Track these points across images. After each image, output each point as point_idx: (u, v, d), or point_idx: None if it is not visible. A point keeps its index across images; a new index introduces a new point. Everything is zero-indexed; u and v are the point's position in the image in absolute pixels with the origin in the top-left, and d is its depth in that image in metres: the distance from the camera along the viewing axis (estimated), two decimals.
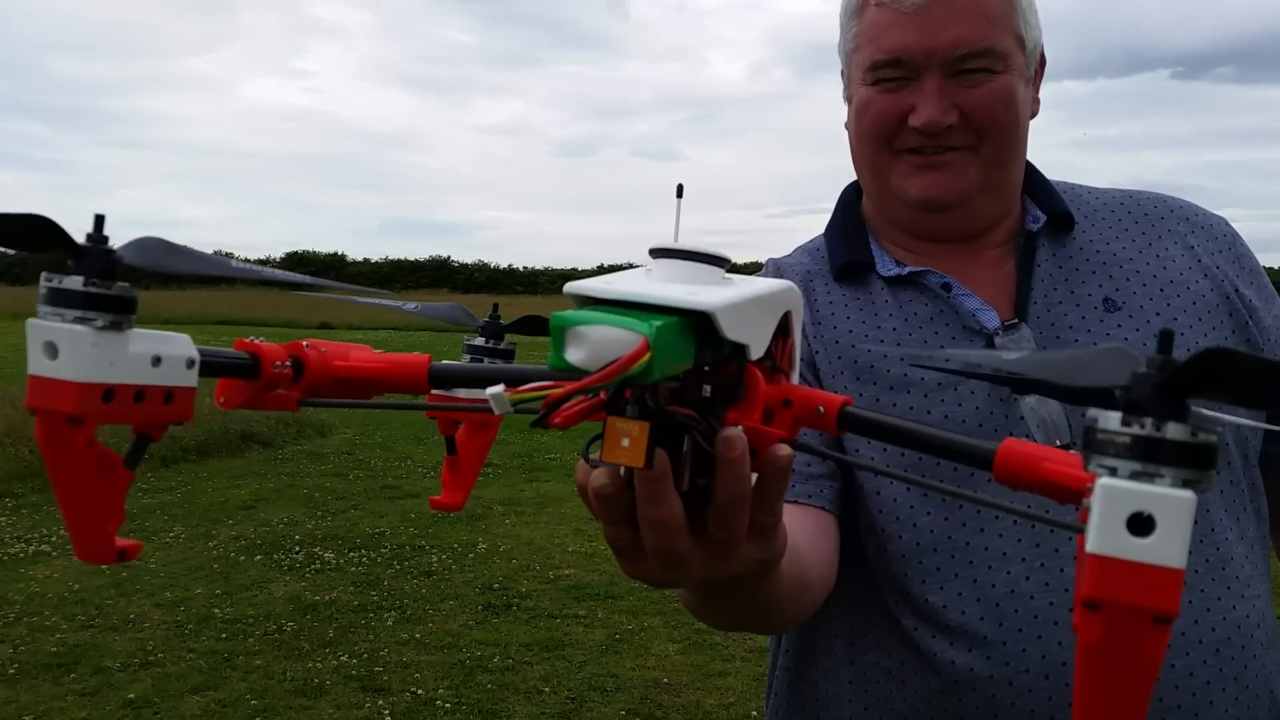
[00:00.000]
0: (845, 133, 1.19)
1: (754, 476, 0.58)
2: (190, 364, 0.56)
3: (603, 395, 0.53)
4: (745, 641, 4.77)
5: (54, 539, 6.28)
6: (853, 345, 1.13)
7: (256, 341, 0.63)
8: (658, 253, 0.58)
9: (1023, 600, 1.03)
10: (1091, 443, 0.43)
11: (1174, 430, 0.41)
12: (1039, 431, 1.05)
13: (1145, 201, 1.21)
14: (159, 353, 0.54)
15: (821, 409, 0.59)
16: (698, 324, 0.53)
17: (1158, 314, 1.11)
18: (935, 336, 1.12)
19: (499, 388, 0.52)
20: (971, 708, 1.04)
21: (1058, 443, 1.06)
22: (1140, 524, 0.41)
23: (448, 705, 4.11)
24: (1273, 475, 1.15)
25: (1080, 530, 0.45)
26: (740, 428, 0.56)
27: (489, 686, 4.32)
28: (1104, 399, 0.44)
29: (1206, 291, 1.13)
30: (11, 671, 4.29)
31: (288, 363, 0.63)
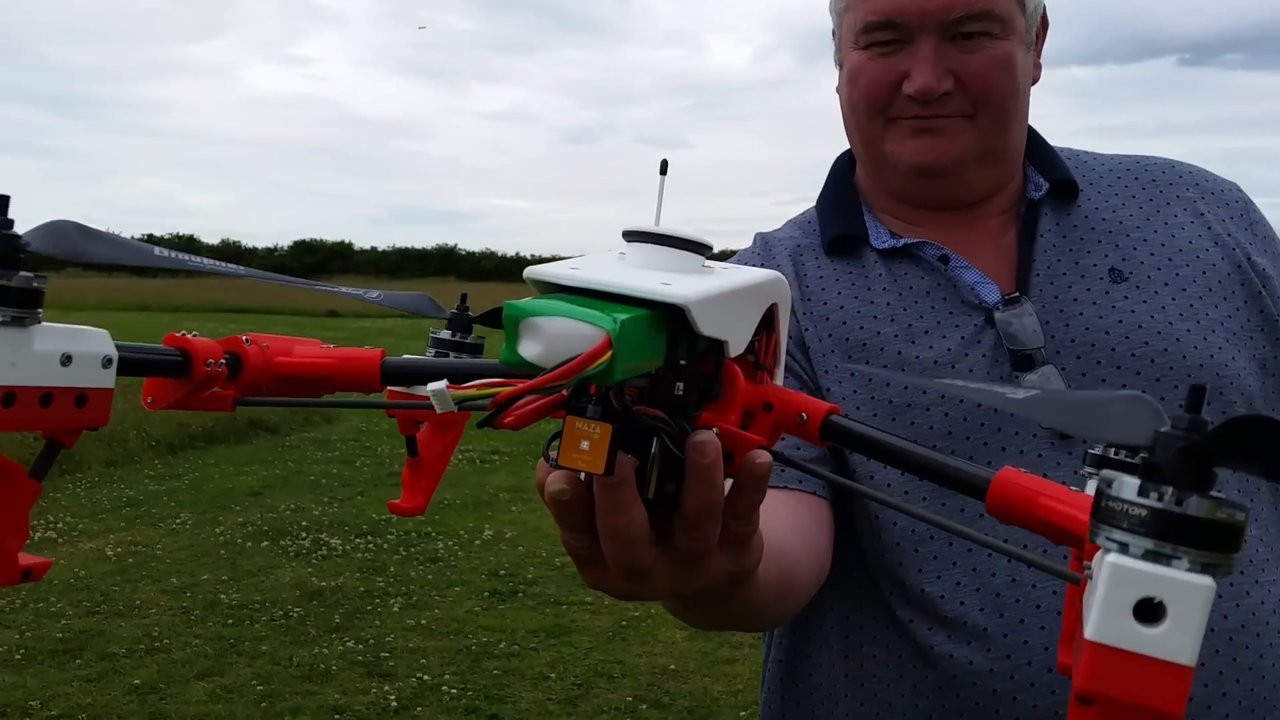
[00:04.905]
0: None
1: (729, 483, 0.54)
2: (107, 362, 0.51)
3: (564, 391, 0.49)
4: None
5: (60, 525, 6.29)
6: (844, 322, 1.09)
7: (188, 336, 0.58)
8: (632, 236, 0.53)
9: (1024, 590, 0.98)
10: (1100, 511, 0.38)
11: (1196, 505, 0.36)
12: None
13: (1153, 167, 1.17)
14: (70, 350, 0.49)
15: (804, 416, 0.55)
16: (670, 317, 0.49)
17: (1166, 284, 1.07)
18: (931, 312, 1.07)
19: (441, 384, 0.48)
20: (971, 703, 0.99)
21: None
22: (1149, 610, 0.36)
23: (453, 691, 4.10)
24: None
25: (1075, 579, 0.40)
26: (714, 431, 0.52)
27: (495, 672, 4.30)
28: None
29: (1217, 260, 1.09)
30: (18, 657, 4.28)
31: (222, 360, 0.59)
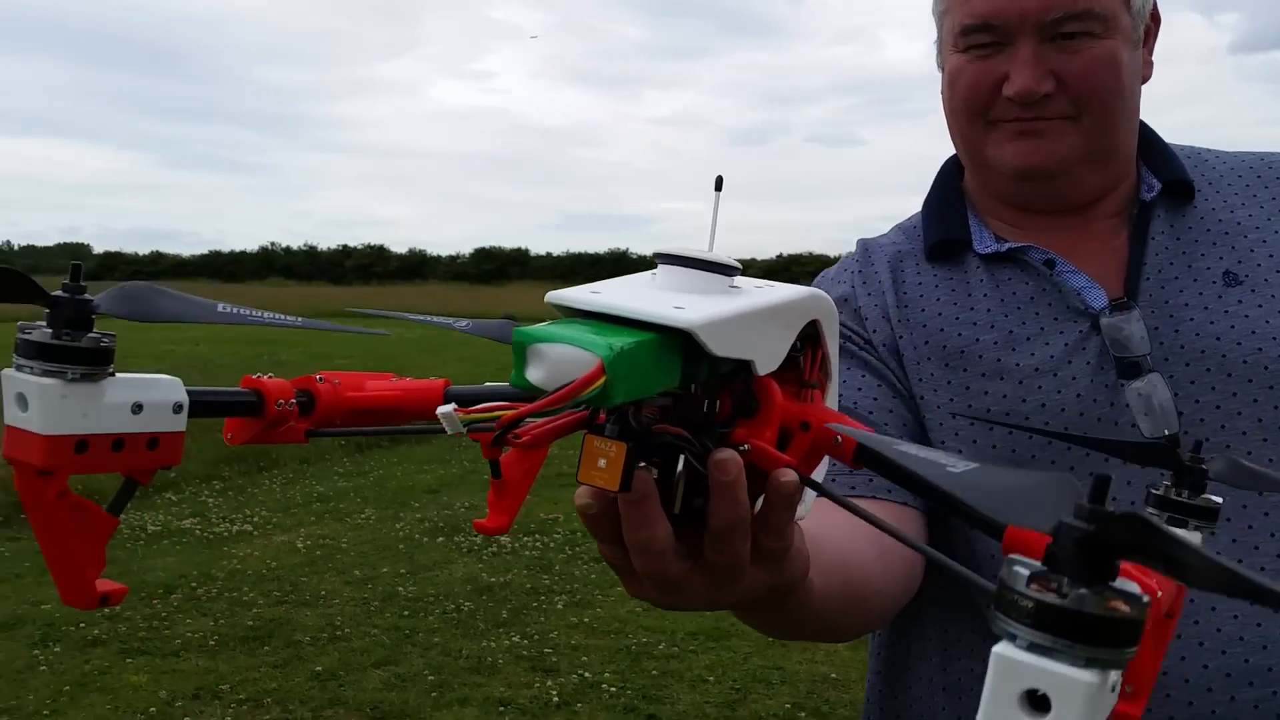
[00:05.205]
0: None
1: (761, 500, 0.54)
2: (178, 408, 0.56)
3: (585, 411, 0.51)
4: None
5: (255, 519, 6.72)
6: (941, 329, 1.06)
7: (263, 379, 0.63)
8: (661, 258, 0.55)
9: None
10: (996, 597, 0.38)
11: (1086, 600, 0.35)
12: (1145, 420, 0.96)
13: (1278, 164, 1.09)
14: (141, 399, 0.54)
15: (839, 439, 0.54)
16: (686, 339, 0.49)
17: None
18: (1035, 318, 1.03)
19: (449, 407, 0.50)
20: None
21: (1165, 432, 0.95)
22: (1038, 701, 0.35)
23: (613, 689, 4.16)
24: None
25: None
26: (745, 447, 0.53)
27: (653, 673, 4.34)
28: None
29: None
30: (212, 643, 4.60)
31: (293, 400, 0.64)
